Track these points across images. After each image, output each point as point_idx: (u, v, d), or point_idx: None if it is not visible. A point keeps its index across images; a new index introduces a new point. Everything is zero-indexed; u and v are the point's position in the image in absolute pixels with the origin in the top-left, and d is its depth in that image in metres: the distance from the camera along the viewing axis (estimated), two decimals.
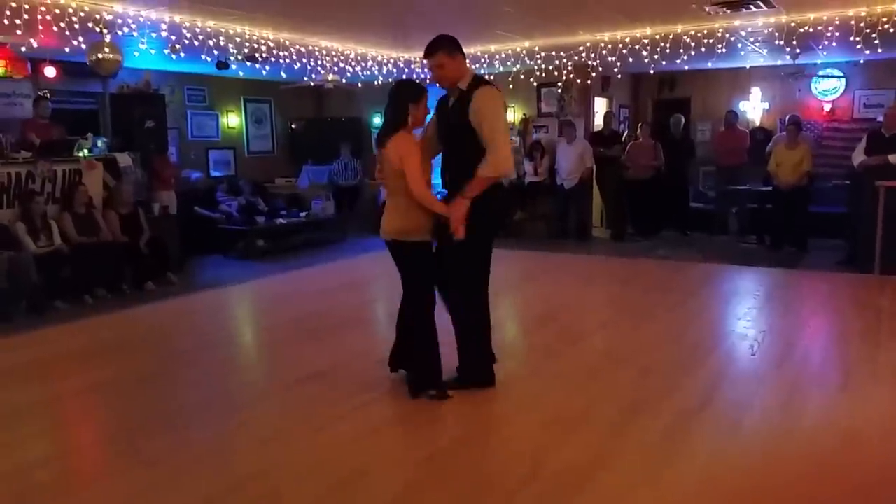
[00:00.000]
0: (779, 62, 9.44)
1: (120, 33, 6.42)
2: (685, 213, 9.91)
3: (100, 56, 6.35)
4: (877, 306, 5.67)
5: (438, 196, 3.69)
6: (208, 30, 6.79)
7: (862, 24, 6.54)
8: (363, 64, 9.07)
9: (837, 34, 6.86)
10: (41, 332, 5.35)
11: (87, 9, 5.80)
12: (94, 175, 7.01)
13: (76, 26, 5.96)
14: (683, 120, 9.95)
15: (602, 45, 7.92)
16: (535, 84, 9.88)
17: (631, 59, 8.48)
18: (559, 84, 9.74)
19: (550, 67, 9.50)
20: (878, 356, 4.35)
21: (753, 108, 10.40)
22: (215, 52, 7.40)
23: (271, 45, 7.54)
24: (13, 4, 5.48)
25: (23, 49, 6.80)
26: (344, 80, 9.85)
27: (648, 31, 7.40)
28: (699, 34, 7.33)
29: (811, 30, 6.81)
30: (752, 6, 6.17)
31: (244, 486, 2.79)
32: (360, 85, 10.06)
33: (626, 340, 4.84)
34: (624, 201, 9.68)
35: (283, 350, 4.81)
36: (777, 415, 3.47)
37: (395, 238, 3.56)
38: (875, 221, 6.65)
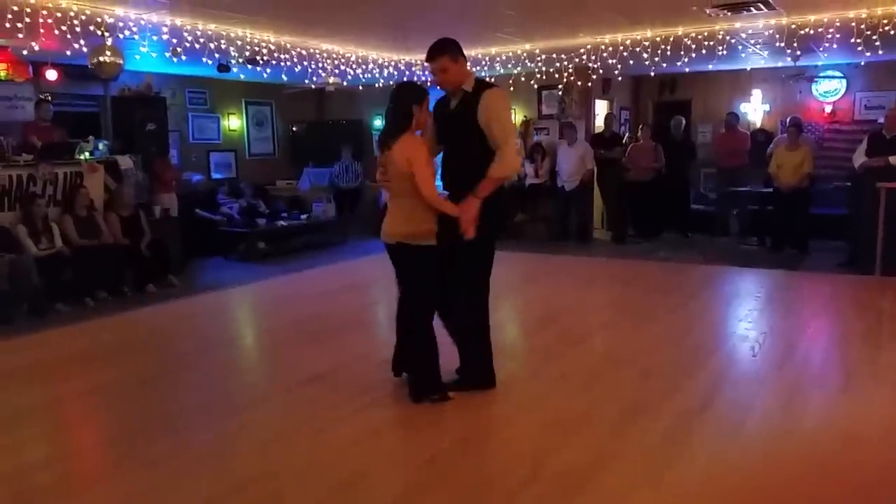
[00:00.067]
0: (779, 64, 9.45)
1: (121, 36, 6.43)
2: (686, 214, 9.91)
3: (101, 59, 6.36)
4: (878, 308, 5.67)
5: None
6: (209, 33, 6.80)
7: (862, 26, 6.55)
8: (364, 66, 9.09)
9: (838, 36, 6.87)
10: (42, 334, 5.35)
11: (88, 12, 5.82)
12: (96, 178, 7.02)
13: (77, 29, 5.98)
14: (684, 122, 9.95)
15: (603, 47, 7.93)
16: (535, 86, 9.88)
17: (631, 62, 8.49)
18: (560, 86, 9.75)
19: (551, 70, 9.51)
20: (879, 357, 4.34)
21: (754, 109, 10.41)
22: (216, 55, 7.41)
23: (272, 47, 7.56)
24: (15, 8, 5.49)
25: (24, 52, 6.81)
26: (345, 83, 9.87)
27: (649, 33, 7.40)
28: (700, 36, 7.34)
29: (812, 32, 6.81)
30: (752, 8, 6.17)
31: (245, 488, 2.79)
32: (360, 87, 10.08)
33: (626, 342, 4.84)
34: (625, 203, 9.68)
35: (283, 352, 4.81)
36: (778, 416, 3.47)
37: (402, 241, 3.53)
38: (876, 223, 6.64)
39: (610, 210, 10.02)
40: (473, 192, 3.46)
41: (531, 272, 7.56)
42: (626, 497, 2.67)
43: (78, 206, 6.60)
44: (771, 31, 7.14)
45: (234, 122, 10.74)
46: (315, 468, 2.97)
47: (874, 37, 6.68)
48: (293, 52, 7.83)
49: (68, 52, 6.66)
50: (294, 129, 11.61)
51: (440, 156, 3.81)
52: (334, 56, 8.41)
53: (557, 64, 9.15)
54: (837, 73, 9.81)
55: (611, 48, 7.89)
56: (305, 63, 8.34)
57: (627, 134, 10.68)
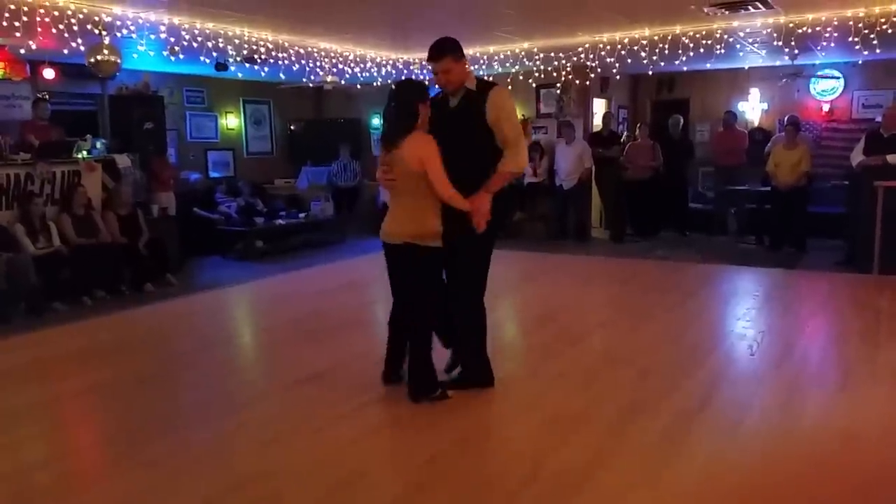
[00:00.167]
0: (777, 63, 9.45)
1: (119, 35, 6.42)
2: (684, 213, 9.92)
3: (99, 58, 6.35)
4: (875, 306, 5.67)
5: None
6: (207, 31, 6.79)
7: (860, 25, 6.55)
8: (362, 65, 9.08)
9: (836, 35, 6.87)
10: (40, 333, 5.34)
11: (85, 10, 5.81)
12: (93, 176, 7.01)
13: (75, 28, 5.96)
14: (682, 120, 9.97)
15: (601, 46, 7.93)
16: (533, 85, 9.89)
17: (629, 60, 8.49)
18: (558, 85, 9.75)
19: (549, 68, 9.51)
20: (877, 356, 4.35)
21: (752, 108, 10.41)
22: (214, 54, 7.39)
23: (270, 46, 7.55)
24: (12, 6, 5.48)
25: (22, 51, 6.80)
26: (343, 82, 9.86)
27: (647, 31, 7.40)
28: (698, 35, 7.34)
29: (809, 30, 6.82)
30: (750, 7, 6.17)
31: (243, 487, 2.79)
32: (359, 86, 10.06)
33: (625, 341, 4.84)
34: (623, 202, 9.68)
35: (282, 351, 4.81)
36: (776, 415, 3.47)
37: (409, 241, 3.48)
38: (873, 221, 6.66)
39: (608, 209, 10.03)
40: (485, 187, 3.49)
41: (529, 271, 7.56)
42: (625, 496, 2.67)
43: (76, 204, 6.59)
44: (769, 30, 7.14)
45: (231, 121, 10.73)
46: (314, 467, 2.97)
47: (872, 36, 6.69)
48: (291, 51, 7.82)
49: (66, 51, 6.65)
50: (292, 127, 11.60)
51: None
52: (332, 54, 8.40)
53: (555, 62, 9.15)
54: (835, 73, 9.82)
55: (609, 47, 7.89)
56: (303, 62, 8.33)
57: (625, 133, 10.68)
